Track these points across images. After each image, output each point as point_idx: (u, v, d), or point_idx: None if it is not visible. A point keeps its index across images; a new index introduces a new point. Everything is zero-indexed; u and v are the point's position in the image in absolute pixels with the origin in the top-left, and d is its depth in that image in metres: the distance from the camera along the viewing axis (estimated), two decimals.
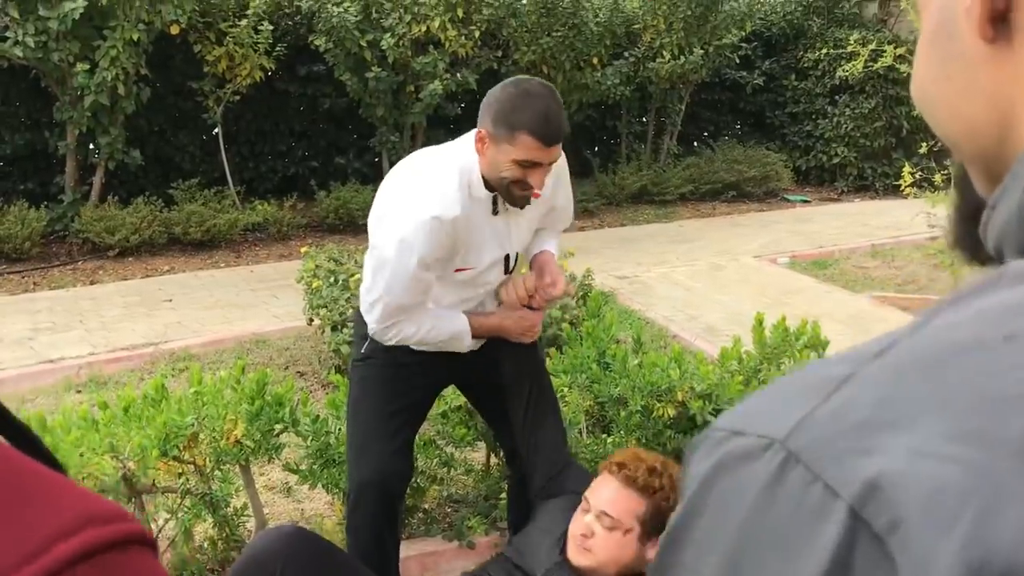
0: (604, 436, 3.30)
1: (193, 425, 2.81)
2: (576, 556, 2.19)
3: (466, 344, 2.43)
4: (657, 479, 2.20)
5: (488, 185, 2.25)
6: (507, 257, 2.43)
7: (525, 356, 2.59)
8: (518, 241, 2.44)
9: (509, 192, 2.21)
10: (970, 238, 0.53)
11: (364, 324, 2.42)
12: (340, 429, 2.90)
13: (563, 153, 2.31)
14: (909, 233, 8.41)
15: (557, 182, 2.44)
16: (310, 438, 2.97)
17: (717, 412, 3.27)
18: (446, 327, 2.39)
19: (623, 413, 3.29)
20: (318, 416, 2.95)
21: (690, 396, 3.30)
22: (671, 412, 3.28)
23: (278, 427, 2.93)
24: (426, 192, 2.21)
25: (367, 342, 2.47)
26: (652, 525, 2.17)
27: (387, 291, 2.26)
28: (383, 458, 2.45)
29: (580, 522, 2.21)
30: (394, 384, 2.49)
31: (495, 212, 2.31)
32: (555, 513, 2.40)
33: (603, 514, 2.17)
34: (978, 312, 0.43)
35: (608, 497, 2.19)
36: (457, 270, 2.35)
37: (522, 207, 2.28)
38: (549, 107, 2.12)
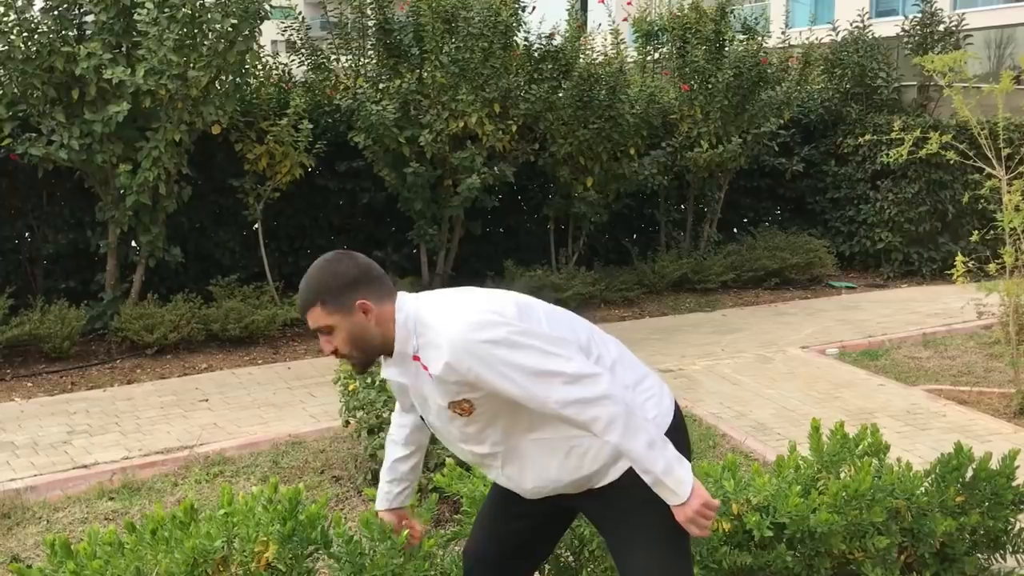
0: None
1: (222, 548, 2.67)
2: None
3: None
4: None
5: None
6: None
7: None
8: (416, 398, 2.36)
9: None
10: None
11: None
12: (376, 551, 2.75)
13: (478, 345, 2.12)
14: (961, 321, 8.18)
15: (454, 363, 2.15)
16: (343, 560, 2.81)
17: (775, 526, 3.08)
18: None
19: None
20: (352, 537, 2.79)
21: (746, 509, 3.11)
22: (726, 527, 3.09)
23: (311, 548, 2.79)
24: None
25: None
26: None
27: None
28: (474, 539, 2.66)
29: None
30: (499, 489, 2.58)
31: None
32: None
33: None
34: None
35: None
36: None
37: (356, 371, 2.37)
38: (303, 282, 2.27)
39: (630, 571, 2.37)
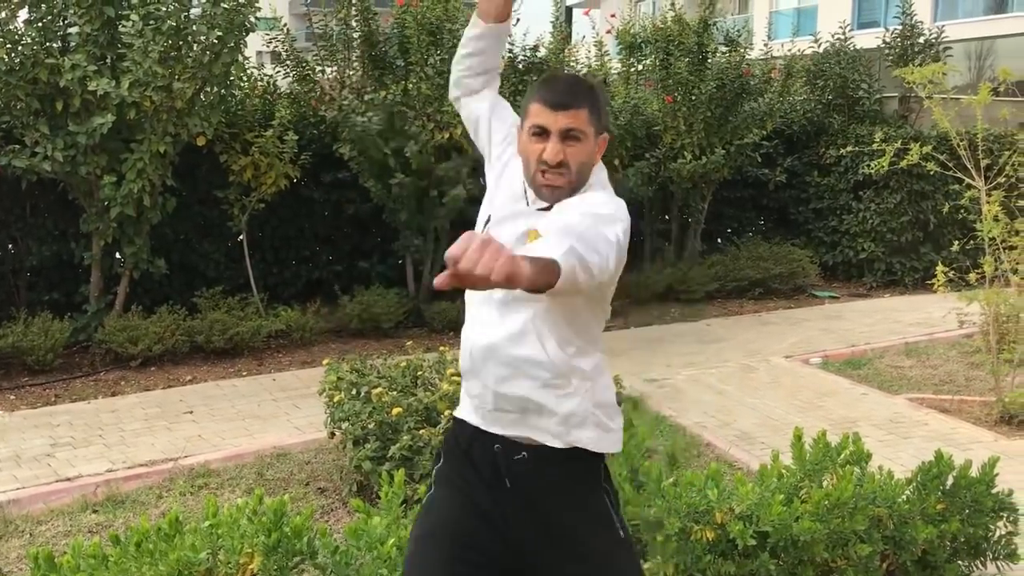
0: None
1: (207, 560, 2.68)
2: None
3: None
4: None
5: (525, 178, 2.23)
6: (488, 218, 2.28)
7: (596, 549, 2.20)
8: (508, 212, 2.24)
9: (535, 180, 2.15)
10: None
11: (448, 433, 2.32)
12: (362, 564, 2.75)
13: (608, 203, 2.15)
14: (942, 330, 8.24)
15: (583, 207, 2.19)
16: (328, 570, 2.81)
17: (759, 535, 3.10)
18: None
19: (659, 537, 3.12)
20: (337, 547, 2.80)
21: (730, 518, 3.13)
22: (710, 535, 3.11)
23: (296, 559, 2.79)
24: None
25: (439, 463, 2.29)
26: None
27: None
28: None
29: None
30: (445, 527, 2.17)
31: (527, 203, 2.22)
32: None
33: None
34: None
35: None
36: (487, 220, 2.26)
37: (548, 199, 2.15)
38: (558, 77, 2.17)
39: None
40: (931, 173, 7.38)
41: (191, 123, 7.30)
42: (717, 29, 10.08)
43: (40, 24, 7.04)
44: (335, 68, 8.80)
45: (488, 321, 2.17)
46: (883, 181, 10.39)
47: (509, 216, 2.20)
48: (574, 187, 2.14)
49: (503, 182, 2.30)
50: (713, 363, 7.55)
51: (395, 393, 4.59)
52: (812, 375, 7.18)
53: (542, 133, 2.11)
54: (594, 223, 2.00)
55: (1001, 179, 6.20)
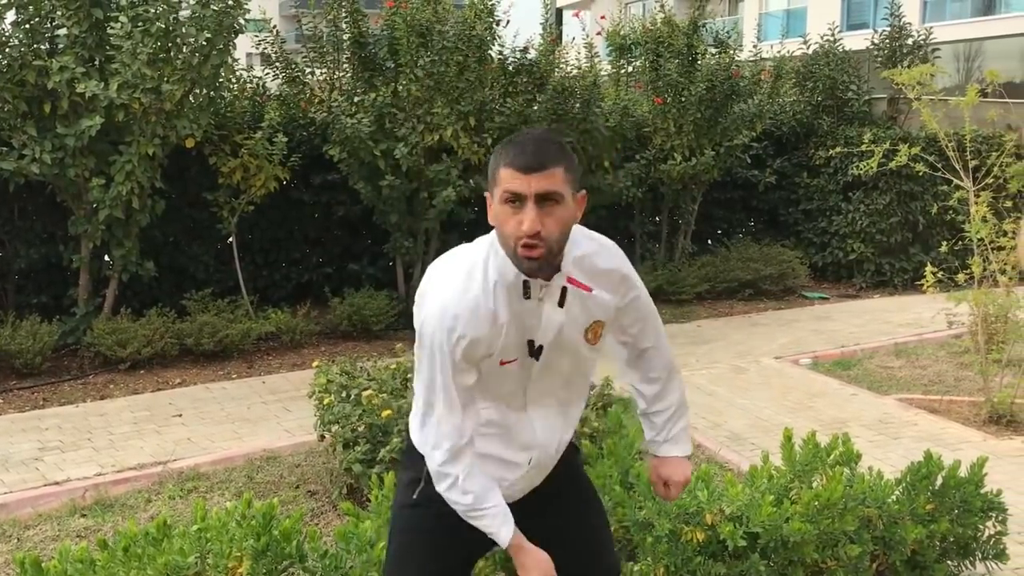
0: (630, 564, 3.12)
1: (196, 564, 2.66)
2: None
3: (502, 538, 2.12)
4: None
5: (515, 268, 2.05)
6: (531, 343, 2.09)
7: (578, 497, 2.47)
8: (550, 330, 2.10)
9: (516, 253, 1.97)
10: None
11: (419, 462, 2.19)
12: (351, 567, 2.74)
13: (625, 266, 2.31)
14: (931, 330, 8.26)
15: (610, 282, 2.21)
16: (318, 574, 2.80)
17: (749, 536, 3.10)
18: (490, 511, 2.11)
19: (649, 539, 3.12)
20: (327, 551, 2.79)
21: (720, 519, 3.14)
22: (700, 537, 3.11)
23: (285, 563, 2.78)
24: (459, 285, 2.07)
25: (421, 486, 2.20)
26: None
27: (431, 385, 2.08)
28: None
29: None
30: (442, 538, 2.22)
31: (527, 296, 2.05)
32: None
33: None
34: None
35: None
36: (503, 363, 2.08)
37: (529, 272, 1.99)
38: (528, 138, 1.98)
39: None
40: (920, 174, 7.42)
41: (180, 125, 7.28)
42: (707, 30, 10.11)
43: (28, 26, 7.00)
44: (324, 70, 8.78)
45: (551, 425, 2.29)
46: (872, 182, 10.42)
47: (554, 338, 2.12)
48: (554, 253, 2.00)
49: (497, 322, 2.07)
50: (703, 364, 7.56)
51: (385, 395, 4.57)
52: (802, 376, 7.19)
53: (515, 200, 1.93)
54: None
55: (989, 180, 6.23)
